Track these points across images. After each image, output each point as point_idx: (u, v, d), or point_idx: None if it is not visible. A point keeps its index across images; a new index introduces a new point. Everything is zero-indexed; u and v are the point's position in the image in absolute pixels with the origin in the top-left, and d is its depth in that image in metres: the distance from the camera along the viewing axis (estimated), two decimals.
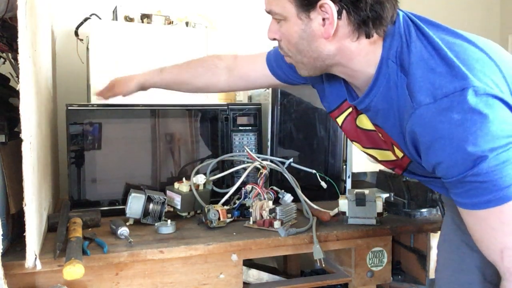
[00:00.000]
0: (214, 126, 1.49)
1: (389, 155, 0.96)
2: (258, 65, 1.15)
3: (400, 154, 0.91)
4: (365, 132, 0.97)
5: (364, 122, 0.96)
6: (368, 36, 0.81)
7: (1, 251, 0.90)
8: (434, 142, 0.75)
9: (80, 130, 1.32)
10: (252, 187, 1.34)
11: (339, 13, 0.79)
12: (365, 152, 1.03)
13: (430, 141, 0.76)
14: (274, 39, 0.90)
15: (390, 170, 1.42)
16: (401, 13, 0.85)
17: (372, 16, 0.79)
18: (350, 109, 0.97)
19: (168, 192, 1.33)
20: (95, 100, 1.44)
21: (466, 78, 0.73)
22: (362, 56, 0.84)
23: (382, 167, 1.54)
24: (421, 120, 0.76)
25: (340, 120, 1.01)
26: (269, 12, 0.88)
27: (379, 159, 1.01)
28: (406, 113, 0.79)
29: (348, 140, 1.61)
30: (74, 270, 0.91)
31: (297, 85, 1.14)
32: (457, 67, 0.75)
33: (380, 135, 0.92)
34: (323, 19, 0.81)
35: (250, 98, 1.81)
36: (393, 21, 0.83)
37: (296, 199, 1.37)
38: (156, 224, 1.22)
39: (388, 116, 0.86)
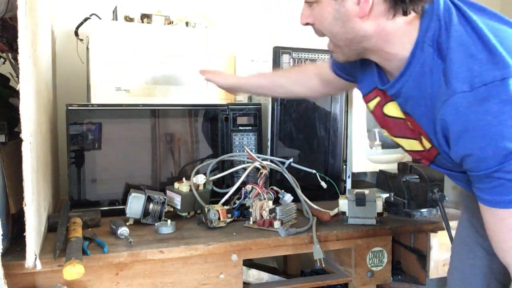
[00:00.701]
0: (214, 126, 1.49)
1: (416, 145, 0.92)
2: (327, 67, 1.14)
3: (427, 145, 0.87)
4: (393, 120, 0.94)
5: (392, 110, 0.92)
6: (405, 13, 0.77)
7: (1, 251, 0.90)
8: (466, 132, 0.72)
9: (80, 130, 1.32)
10: (252, 187, 1.34)
11: None
12: (393, 141, 1.00)
13: (462, 131, 0.73)
14: (307, 24, 0.87)
15: (390, 170, 1.44)
16: None
17: None
18: (379, 98, 0.94)
19: (168, 192, 1.33)
20: (95, 100, 1.44)
21: (508, 67, 0.70)
22: (397, 37, 0.80)
23: (382, 167, 1.54)
24: (454, 109, 0.73)
25: (371, 105, 0.98)
26: None
27: (406, 148, 0.97)
28: (440, 100, 0.75)
29: (348, 140, 1.62)
30: (74, 270, 0.91)
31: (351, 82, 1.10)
32: (499, 55, 0.71)
33: (409, 123, 0.89)
34: None
35: (250, 98, 1.81)
36: None
37: (296, 199, 1.37)
38: (156, 224, 1.22)
39: (419, 104, 0.82)
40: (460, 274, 1.05)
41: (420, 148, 0.91)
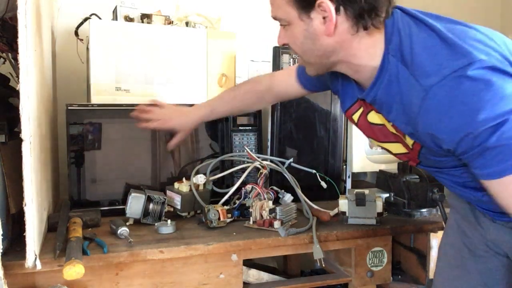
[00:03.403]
0: (214, 126, 1.49)
1: (400, 148, 0.97)
2: (290, 80, 1.23)
3: (410, 142, 0.92)
4: (377, 127, 1.00)
5: (375, 117, 0.98)
6: (365, 28, 0.84)
7: (1, 251, 0.90)
8: (453, 117, 0.76)
9: (80, 130, 1.32)
10: (252, 187, 1.34)
11: (337, 10, 0.83)
12: (381, 147, 1.06)
13: (450, 117, 0.76)
14: (284, 44, 0.95)
15: (390, 170, 1.44)
16: (398, 11, 0.88)
17: (368, 8, 0.82)
18: (362, 109, 1.00)
19: (168, 192, 1.33)
20: (95, 100, 1.44)
21: (470, 53, 0.76)
22: (363, 50, 0.87)
23: (382, 167, 1.54)
24: (434, 99, 0.78)
25: (355, 117, 1.04)
26: (275, 18, 0.92)
27: (394, 152, 1.02)
28: (416, 98, 0.81)
29: (348, 140, 1.62)
30: (74, 270, 0.91)
31: (319, 91, 1.25)
32: (459, 46, 0.77)
33: (391, 124, 0.94)
34: (324, 18, 0.84)
35: None
36: (389, 14, 0.85)
37: (296, 199, 1.37)
38: (156, 224, 1.22)
39: (391, 109, 0.89)
40: (447, 275, 1.07)
41: (404, 150, 0.97)
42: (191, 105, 1.37)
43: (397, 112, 0.87)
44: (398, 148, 0.99)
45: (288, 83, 1.24)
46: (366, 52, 0.87)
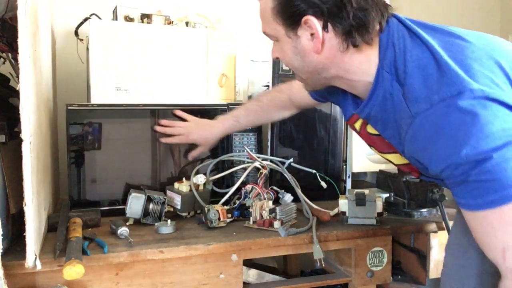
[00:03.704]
0: None
1: (401, 159, 0.97)
2: (303, 90, 1.19)
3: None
4: (376, 137, 0.99)
5: (372, 128, 0.98)
6: (355, 45, 0.82)
7: (1, 251, 0.90)
8: (438, 148, 0.75)
9: (80, 130, 1.32)
10: (252, 187, 1.34)
11: (325, 27, 0.81)
12: (383, 157, 1.05)
13: (434, 147, 0.76)
14: (277, 58, 0.95)
15: (390, 170, 1.44)
16: (394, 20, 0.86)
17: (356, 24, 0.80)
18: (361, 119, 0.99)
19: (168, 192, 1.33)
20: (95, 100, 1.44)
21: (462, 81, 0.73)
22: (356, 66, 0.86)
23: (382, 167, 1.54)
24: (420, 128, 0.77)
25: (357, 126, 1.03)
26: (264, 34, 0.92)
27: (395, 163, 1.02)
28: (404, 122, 0.80)
29: (348, 140, 1.62)
30: (74, 270, 0.91)
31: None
32: (453, 71, 0.75)
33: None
34: (311, 34, 0.83)
35: (250, 98, 1.81)
36: (382, 29, 0.83)
37: (296, 199, 1.37)
38: (156, 224, 1.22)
39: (386, 126, 0.88)
40: (454, 275, 1.06)
41: (405, 161, 0.96)
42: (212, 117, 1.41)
43: (392, 130, 0.86)
44: (398, 158, 0.98)
45: (302, 93, 1.21)
46: (359, 68, 0.86)
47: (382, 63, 0.84)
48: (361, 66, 0.86)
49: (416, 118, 0.77)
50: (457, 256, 1.06)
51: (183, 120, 1.40)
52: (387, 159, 1.04)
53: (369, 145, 1.06)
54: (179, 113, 1.40)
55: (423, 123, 0.76)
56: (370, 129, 0.99)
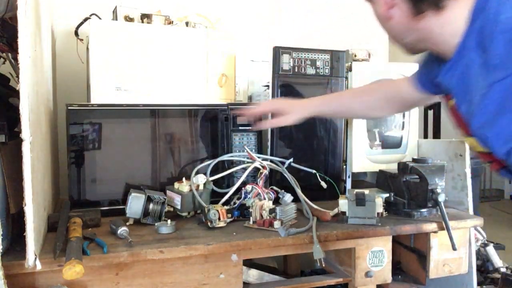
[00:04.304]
0: (214, 126, 1.49)
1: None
2: (407, 84, 1.15)
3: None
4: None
5: None
6: (420, 11, 0.82)
7: (1, 251, 0.90)
8: (503, 122, 0.71)
9: (80, 130, 1.32)
10: (252, 187, 1.34)
11: None
12: (467, 142, 0.99)
13: (499, 120, 0.71)
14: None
15: (390, 170, 1.44)
16: None
17: None
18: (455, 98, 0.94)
19: (168, 192, 1.33)
20: (95, 100, 1.44)
21: None
22: (436, 30, 0.84)
23: (382, 167, 1.54)
24: (491, 99, 0.72)
25: (450, 104, 0.96)
26: None
27: (476, 150, 0.92)
28: (479, 93, 0.74)
29: (348, 140, 1.62)
30: (74, 270, 0.91)
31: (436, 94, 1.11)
32: None
33: None
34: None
35: (250, 98, 1.81)
36: None
37: (296, 199, 1.37)
38: (156, 224, 1.22)
39: (463, 99, 0.83)
40: None
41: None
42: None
43: (466, 104, 0.81)
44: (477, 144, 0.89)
45: (405, 90, 1.16)
46: (441, 31, 0.83)
47: (471, 28, 0.78)
48: (442, 28, 0.83)
49: (490, 89, 0.71)
50: None
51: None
52: (470, 147, 0.94)
53: (457, 125, 0.97)
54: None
55: (495, 93, 0.71)
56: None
